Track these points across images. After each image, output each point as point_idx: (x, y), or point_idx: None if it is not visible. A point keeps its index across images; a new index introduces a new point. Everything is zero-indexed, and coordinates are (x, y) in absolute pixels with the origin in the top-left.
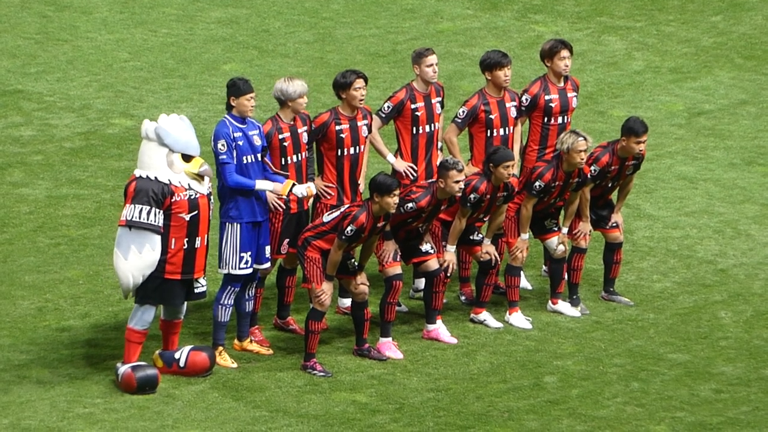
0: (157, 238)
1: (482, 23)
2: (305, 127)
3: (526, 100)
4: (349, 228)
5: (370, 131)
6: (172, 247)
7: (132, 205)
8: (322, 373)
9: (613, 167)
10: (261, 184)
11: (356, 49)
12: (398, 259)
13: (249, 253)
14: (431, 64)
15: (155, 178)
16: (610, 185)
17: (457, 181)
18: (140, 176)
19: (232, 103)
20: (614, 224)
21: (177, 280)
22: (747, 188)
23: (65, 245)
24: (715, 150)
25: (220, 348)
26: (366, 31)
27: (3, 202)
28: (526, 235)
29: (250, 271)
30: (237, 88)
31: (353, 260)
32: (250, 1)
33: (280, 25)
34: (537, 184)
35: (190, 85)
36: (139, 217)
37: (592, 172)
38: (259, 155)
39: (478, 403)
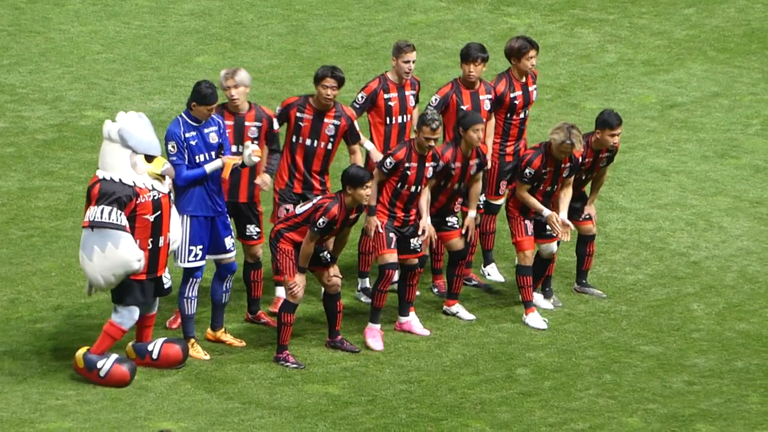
0: (120, 235)
1: (455, 15)
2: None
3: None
4: (321, 220)
5: (335, 131)
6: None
7: (95, 207)
8: (294, 365)
9: (587, 159)
10: (210, 166)
11: (329, 42)
12: (393, 247)
13: (200, 246)
14: (408, 61)
15: (119, 180)
16: (584, 177)
17: (428, 138)
18: (104, 178)
19: (192, 106)
20: (587, 216)
21: (143, 280)
22: (719, 181)
23: (38, 237)
24: (687, 142)
25: (192, 340)
26: (339, 23)
27: None
28: (548, 211)
29: (201, 263)
30: (202, 97)
31: (326, 252)
32: None
33: (252, 18)
34: (527, 171)
35: (162, 77)
36: (101, 217)
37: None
38: (214, 153)
39: (451, 395)
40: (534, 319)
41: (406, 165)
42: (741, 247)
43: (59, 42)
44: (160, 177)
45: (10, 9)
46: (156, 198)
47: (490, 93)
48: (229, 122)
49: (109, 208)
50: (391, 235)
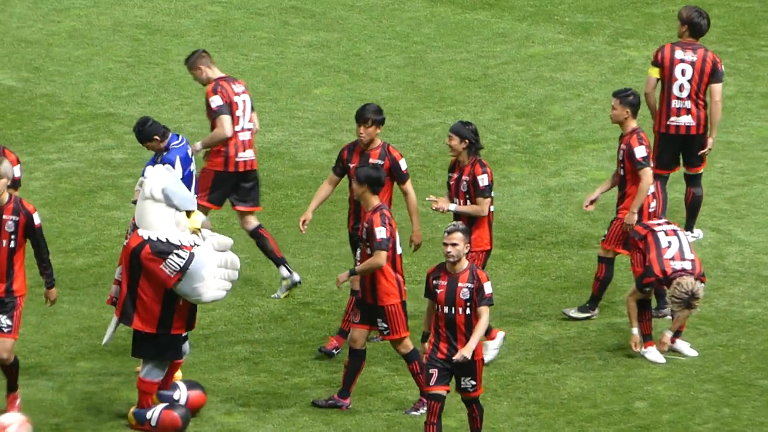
0: (199, 261)
1: (573, 48)
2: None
3: None
4: None
5: None
6: (181, 302)
7: (166, 263)
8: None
9: (622, 145)
10: None
11: (447, 73)
12: (433, 384)
13: None
14: None
15: (166, 240)
16: (619, 170)
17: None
18: (149, 238)
19: None
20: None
21: (181, 334)
22: None
23: None
24: None
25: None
26: (457, 55)
27: (95, 225)
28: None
29: None
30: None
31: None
32: (341, 24)
33: (371, 49)
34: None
35: (280, 108)
36: (183, 260)
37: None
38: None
39: (569, 428)
40: (653, 353)
41: (434, 282)
42: None
43: (178, 73)
44: (198, 230)
45: (130, 40)
46: None
47: (384, 159)
48: None
49: (175, 252)
50: (432, 371)
